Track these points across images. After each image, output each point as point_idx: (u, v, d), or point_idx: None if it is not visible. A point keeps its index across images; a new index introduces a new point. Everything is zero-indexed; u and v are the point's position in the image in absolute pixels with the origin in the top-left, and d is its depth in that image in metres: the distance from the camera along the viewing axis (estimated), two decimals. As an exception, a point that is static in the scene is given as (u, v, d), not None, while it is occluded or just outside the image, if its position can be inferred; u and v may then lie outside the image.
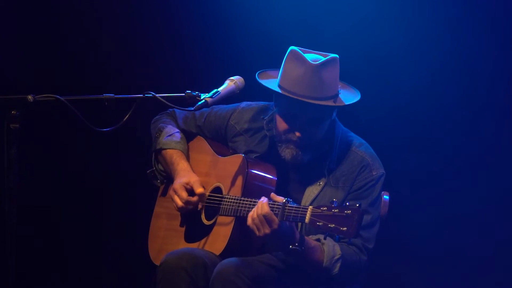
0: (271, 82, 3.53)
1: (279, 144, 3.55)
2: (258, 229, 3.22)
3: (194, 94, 3.34)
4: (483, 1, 4.59)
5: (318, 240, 3.37)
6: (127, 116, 3.20)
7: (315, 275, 3.38)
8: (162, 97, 3.25)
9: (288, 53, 3.48)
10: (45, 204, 4.94)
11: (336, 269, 3.34)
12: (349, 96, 3.54)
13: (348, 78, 4.82)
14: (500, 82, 4.62)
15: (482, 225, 4.65)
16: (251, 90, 3.61)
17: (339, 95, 3.49)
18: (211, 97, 3.34)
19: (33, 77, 4.72)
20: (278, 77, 3.52)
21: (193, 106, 3.32)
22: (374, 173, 3.52)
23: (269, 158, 3.62)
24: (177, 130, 3.83)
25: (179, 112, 3.88)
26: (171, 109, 3.89)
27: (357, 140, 3.62)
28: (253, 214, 3.24)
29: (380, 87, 4.72)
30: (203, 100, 3.32)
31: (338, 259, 3.35)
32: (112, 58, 4.88)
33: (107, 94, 3.18)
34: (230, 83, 3.45)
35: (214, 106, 3.64)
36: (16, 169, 2.98)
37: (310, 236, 3.40)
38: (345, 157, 3.55)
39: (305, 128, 3.47)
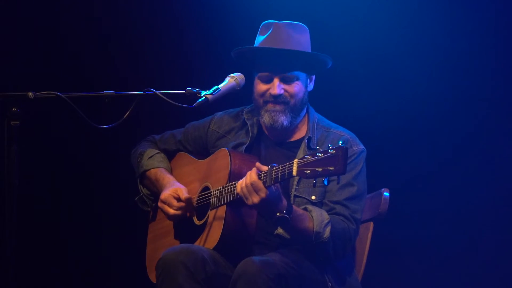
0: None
1: (258, 112, 3.62)
2: (246, 198, 3.28)
3: (195, 91, 3.35)
4: (483, 1, 4.61)
5: (305, 209, 3.40)
6: (127, 113, 3.20)
7: (307, 243, 3.39)
8: (162, 94, 3.25)
9: (261, 26, 3.65)
10: (44, 200, 4.93)
11: (327, 234, 3.37)
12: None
13: (349, 76, 4.82)
14: (500, 78, 4.62)
15: (483, 223, 4.65)
16: (250, 88, 3.63)
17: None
18: (211, 93, 3.35)
19: (33, 74, 4.72)
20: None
21: (193, 103, 3.33)
22: (355, 148, 3.60)
23: (257, 145, 3.68)
24: (158, 151, 3.89)
25: (157, 136, 3.95)
26: (150, 136, 3.96)
27: (333, 123, 3.71)
28: (242, 183, 3.30)
29: (380, 85, 4.72)
30: (204, 97, 3.33)
31: (327, 223, 3.38)
32: (113, 55, 4.88)
33: (108, 91, 3.18)
34: (231, 80, 3.46)
35: (190, 122, 3.84)
36: (17, 166, 2.97)
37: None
38: (324, 138, 3.63)
39: (282, 85, 3.55)
